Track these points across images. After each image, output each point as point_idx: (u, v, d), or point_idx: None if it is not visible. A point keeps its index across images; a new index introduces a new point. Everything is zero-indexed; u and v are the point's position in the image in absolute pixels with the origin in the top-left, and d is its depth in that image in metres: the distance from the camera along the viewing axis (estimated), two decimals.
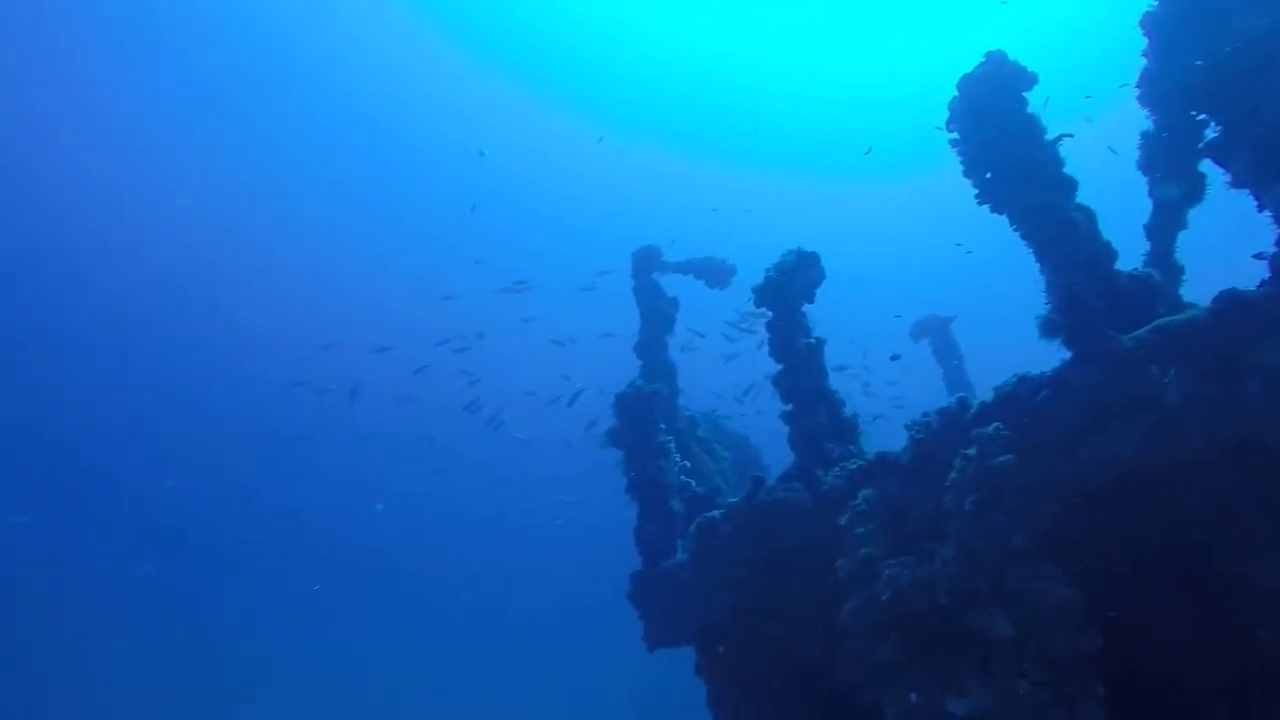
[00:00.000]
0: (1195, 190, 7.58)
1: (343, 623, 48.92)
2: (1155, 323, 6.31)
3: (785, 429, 8.79)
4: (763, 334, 9.35)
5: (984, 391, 7.35)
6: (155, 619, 47.07)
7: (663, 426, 9.95)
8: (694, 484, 10.20)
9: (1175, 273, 7.68)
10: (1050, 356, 6.98)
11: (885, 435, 9.31)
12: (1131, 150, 8.19)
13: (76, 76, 44.87)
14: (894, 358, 11.68)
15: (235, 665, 45.33)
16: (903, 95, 48.06)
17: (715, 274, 12.87)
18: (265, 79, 49.52)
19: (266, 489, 48.33)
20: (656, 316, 11.78)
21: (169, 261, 51.59)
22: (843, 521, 7.49)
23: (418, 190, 56.48)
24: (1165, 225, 7.75)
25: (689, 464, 10.46)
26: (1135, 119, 8.05)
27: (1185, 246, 7.81)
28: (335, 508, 50.00)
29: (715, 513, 8.61)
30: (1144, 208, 8.07)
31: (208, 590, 48.58)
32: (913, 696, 6.81)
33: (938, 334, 16.69)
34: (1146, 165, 7.82)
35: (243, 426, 51.56)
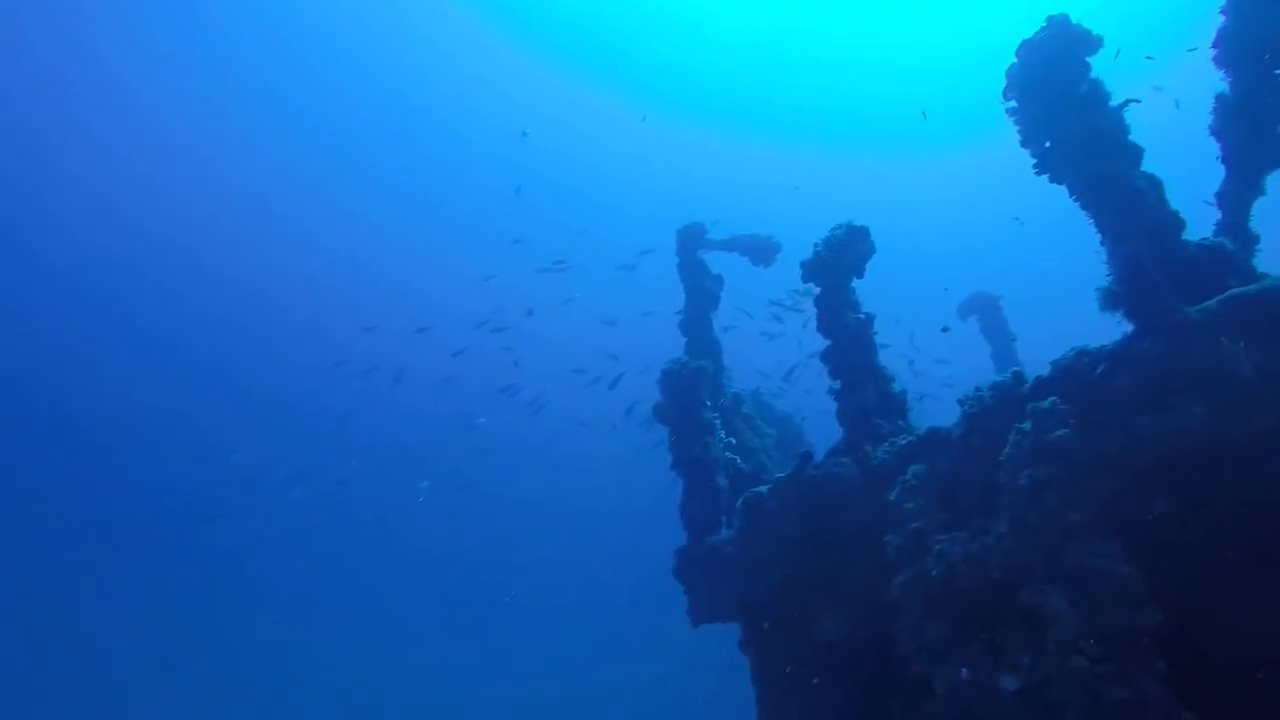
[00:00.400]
0: (1274, 154, 7.21)
1: (377, 604, 50.05)
2: (1226, 293, 6.07)
3: (830, 408, 8.75)
4: (809, 312, 9.28)
5: (1034, 371, 7.18)
6: (188, 602, 48.68)
7: (708, 403, 9.97)
8: (739, 460, 10.22)
9: (1249, 242, 7.33)
10: (1108, 335, 6.78)
11: (933, 415, 9.18)
12: (1197, 116, 7.83)
13: (115, 67, 45.90)
14: (944, 329, 11.47)
15: (272, 643, 46.64)
16: (951, 65, 46.67)
17: (760, 251, 12.77)
18: (304, 63, 50.16)
19: (312, 468, 49.60)
20: (701, 294, 11.77)
21: (215, 249, 53.03)
22: (892, 497, 7.44)
23: (458, 171, 56.99)
24: (1239, 192, 7.40)
25: (734, 440, 10.48)
26: (1202, 82, 7.67)
27: (1261, 214, 7.43)
28: (377, 488, 51.16)
29: (762, 488, 8.63)
30: (1216, 174, 7.70)
31: (246, 573, 50.02)
32: (963, 672, 6.78)
33: (986, 312, 16.31)
34: (1220, 129, 7.46)
35: (288, 408, 53.07)
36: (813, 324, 9.01)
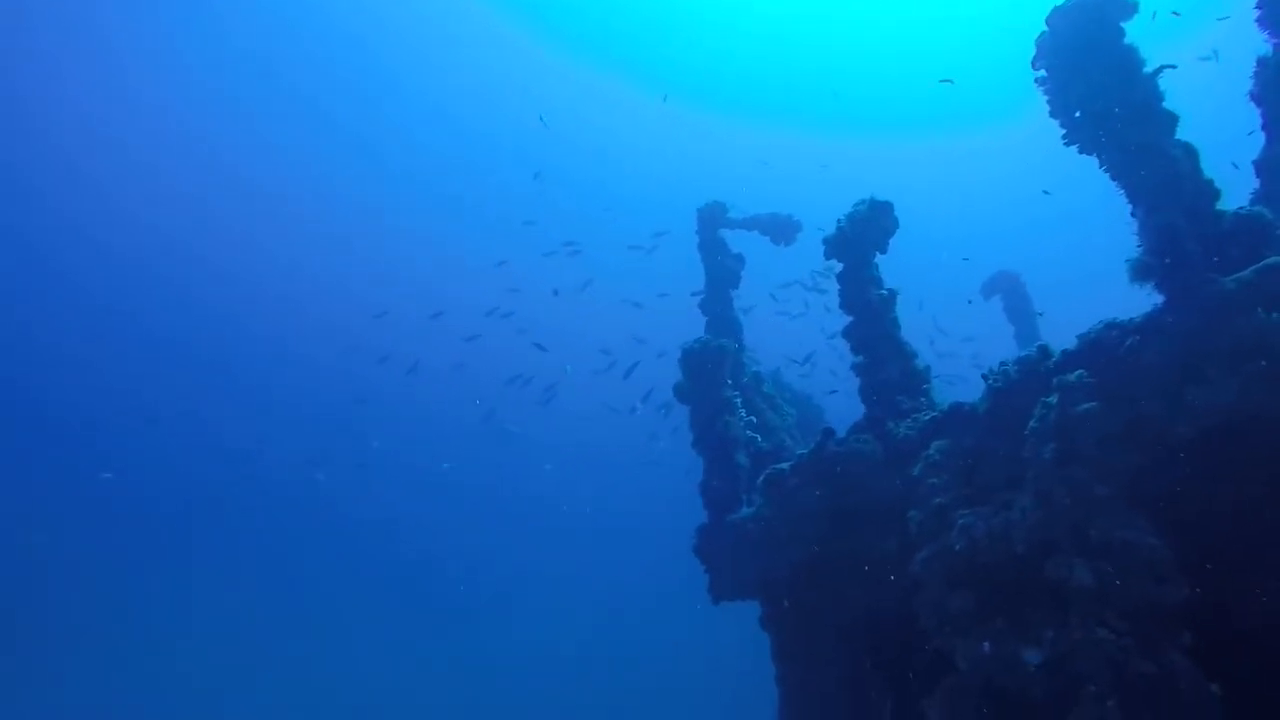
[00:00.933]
0: None
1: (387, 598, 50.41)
2: (1262, 263, 5.93)
3: (851, 390, 8.68)
4: (830, 292, 9.20)
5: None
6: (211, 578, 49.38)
7: (729, 382, 9.96)
8: (760, 439, 10.22)
9: None
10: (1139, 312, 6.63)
11: (959, 398, 9.04)
12: (1236, 81, 7.61)
13: (126, 63, 45.88)
14: (969, 302, 11.42)
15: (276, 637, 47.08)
16: (971, 48, 45.68)
17: (780, 230, 12.69)
18: (312, 55, 49.82)
19: (329, 455, 49.88)
20: (722, 273, 11.72)
21: (226, 243, 53.13)
22: (915, 472, 7.41)
23: (470, 161, 56.78)
24: (1279, 159, 7.20)
25: (755, 419, 10.47)
26: (1242, 47, 7.45)
27: None
28: (388, 478, 51.37)
29: (784, 464, 8.62)
30: (1255, 143, 7.50)
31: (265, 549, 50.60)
32: (985, 646, 6.76)
33: (1009, 291, 16.09)
34: (1261, 95, 7.24)
35: (303, 396, 53.46)
36: (833, 306, 8.94)
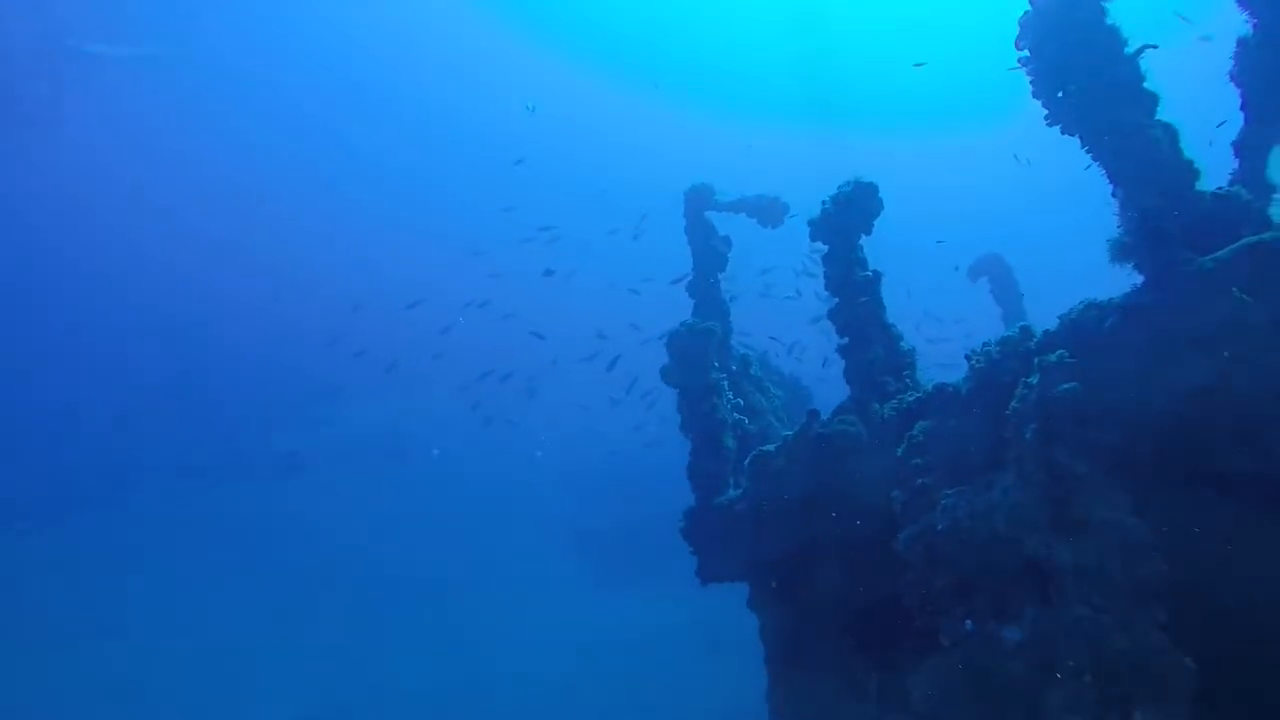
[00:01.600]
0: None
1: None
2: (1240, 242, 5.98)
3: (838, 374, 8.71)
4: (819, 276, 9.18)
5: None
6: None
7: (715, 365, 9.98)
8: (747, 421, 10.26)
9: (1266, 191, 7.18)
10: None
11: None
12: (1218, 61, 7.63)
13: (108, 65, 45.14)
14: (956, 268, 11.54)
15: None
16: (963, 42, 45.54)
17: (768, 212, 12.65)
18: (281, 40, 48.98)
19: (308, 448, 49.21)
20: (709, 255, 11.70)
21: (193, 235, 52.31)
22: (899, 453, 7.46)
23: (451, 148, 56.22)
24: (1258, 139, 7.24)
25: (741, 402, 10.50)
26: (1230, 26, 7.46)
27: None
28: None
29: (769, 446, 8.67)
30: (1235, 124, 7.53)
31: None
32: (967, 624, 6.85)
33: (995, 273, 16.22)
34: (1240, 74, 7.26)
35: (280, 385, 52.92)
36: (823, 292, 8.94)
